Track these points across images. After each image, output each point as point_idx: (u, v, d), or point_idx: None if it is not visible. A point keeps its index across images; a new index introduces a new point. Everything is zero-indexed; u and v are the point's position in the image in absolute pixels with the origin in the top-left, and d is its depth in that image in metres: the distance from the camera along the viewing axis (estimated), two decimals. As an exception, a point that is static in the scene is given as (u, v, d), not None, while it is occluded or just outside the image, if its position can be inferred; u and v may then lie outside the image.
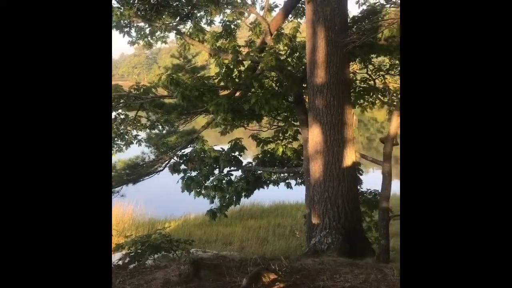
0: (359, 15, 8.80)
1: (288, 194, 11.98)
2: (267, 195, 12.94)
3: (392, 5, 8.93)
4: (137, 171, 10.44)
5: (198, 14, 10.21)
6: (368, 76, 9.79)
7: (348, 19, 8.04)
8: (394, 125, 8.02)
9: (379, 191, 7.24)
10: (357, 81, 10.05)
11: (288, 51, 9.76)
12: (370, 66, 9.71)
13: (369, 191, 9.11)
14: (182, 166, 9.55)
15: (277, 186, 9.94)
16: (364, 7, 9.56)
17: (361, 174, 9.18)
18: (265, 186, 9.66)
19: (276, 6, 11.39)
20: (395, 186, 16.58)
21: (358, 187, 8.80)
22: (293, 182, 9.83)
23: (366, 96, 10.22)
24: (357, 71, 10.49)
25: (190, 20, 10.14)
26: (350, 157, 6.93)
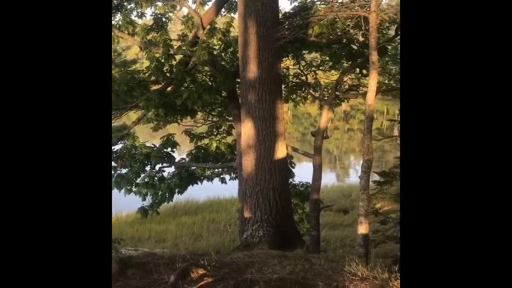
0: (291, 11, 8.95)
1: (223, 189, 11.99)
2: (202, 191, 12.86)
3: (323, 3, 9.18)
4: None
5: (128, 6, 9.87)
6: (300, 72, 9.99)
7: (280, 15, 8.14)
8: (324, 119, 8.26)
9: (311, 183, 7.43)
10: (290, 76, 10.22)
11: (222, 46, 9.71)
12: (302, 62, 9.91)
13: (301, 183, 9.32)
14: (112, 164, 9.24)
15: (211, 181, 9.91)
16: (296, 3, 9.74)
17: (293, 167, 9.37)
18: (199, 182, 9.59)
19: (209, -1, 11.28)
20: (326, 178, 17.12)
21: (291, 180, 8.99)
22: (227, 177, 9.85)
23: (298, 91, 10.44)
24: (291, 66, 10.67)
25: (119, 12, 9.77)
26: (281, 150, 7.05)
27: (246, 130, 7.00)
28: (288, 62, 10.50)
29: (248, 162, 6.96)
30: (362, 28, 6.90)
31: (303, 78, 9.96)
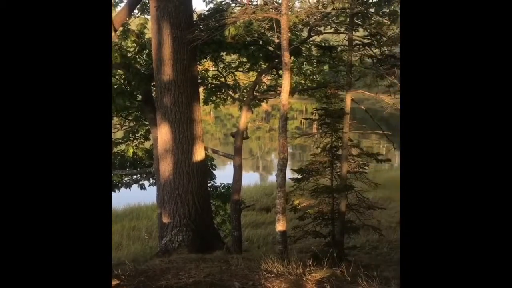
0: (206, 13, 8.92)
1: (144, 195, 11.65)
2: (121, 199, 12.40)
3: (238, 5, 9.26)
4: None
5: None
6: (219, 73, 10.00)
7: (195, 17, 8.08)
8: (243, 120, 8.35)
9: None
10: (209, 78, 10.19)
11: (136, 48, 9.44)
12: (221, 64, 9.93)
13: (222, 185, 9.32)
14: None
15: (129, 188, 9.59)
16: (211, 5, 9.73)
17: (214, 169, 9.35)
18: (116, 190, 9.24)
19: (122, 1, 10.90)
20: (249, 178, 17.25)
21: (212, 182, 8.96)
22: (146, 183, 9.58)
23: (218, 93, 10.43)
24: (210, 68, 10.64)
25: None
26: (199, 153, 7.00)
27: (163, 134, 6.87)
28: (207, 64, 10.46)
29: (166, 166, 6.82)
30: (275, 30, 7.08)
31: (222, 79, 9.98)
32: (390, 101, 8.36)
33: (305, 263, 4.33)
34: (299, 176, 7.10)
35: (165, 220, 6.73)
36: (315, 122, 7.43)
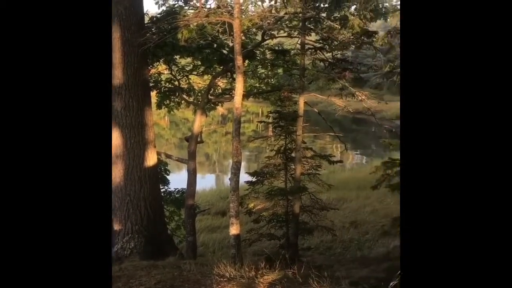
0: (158, 15, 8.79)
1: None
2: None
3: (191, 8, 9.19)
4: None
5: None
6: (172, 77, 9.86)
7: (147, 19, 7.95)
8: (197, 124, 8.28)
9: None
10: (162, 82, 10.03)
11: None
12: (175, 67, 9.79)
13: (176, 190, 9.19)
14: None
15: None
16: (164, 8, 9.60)
17: (168, 174, 9.21)
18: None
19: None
20: (206, 182, 17.04)
21: (166, 187, 8.82)
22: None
23: (172, 97, 10.28)
24: (163, 71, 10.48)
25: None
26: (151, 158, 6.87)
27: (113, 139, 6.68)
28: (160, 67, 10.29)
29: (117, 172, 6.64)
30: (228, 33, 7.08)
31: (176, 83, 9.85)
32: (342, 103, 8.56)
33: (258, 265, 4.34)
34: (254, 179, 7.12)
35: (116, 227, 6.55)
36: (270, 124, 7.49)
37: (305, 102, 7.07)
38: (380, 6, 10.20)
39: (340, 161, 8.19)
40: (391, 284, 3.64)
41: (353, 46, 9.61)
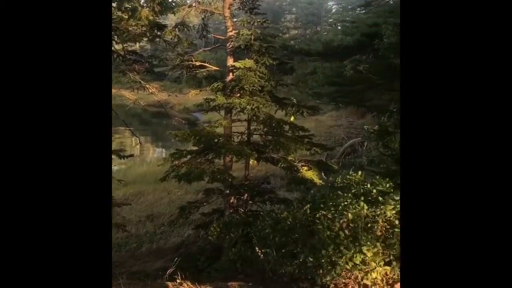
0: None
1: None
2: None
3: None
4: None
5: None
6: None
7: None
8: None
9: None
10: None
11: None
12: None
13: None
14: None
15: None
16: None
17: None
18: None
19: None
20: None
21: None
22: None
23: None
24: None
25: None
26: None
27: None
28: None
29: None
30: None
31: None
32: (132, 96, 8.43)
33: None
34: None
35: None
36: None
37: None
38: (170, 0, 10.37)
39: (131, 155, 8.05)
40: (168, 272, 3.76)
41: (145, 39, 9.56)
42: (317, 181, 6.74)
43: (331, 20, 34.11)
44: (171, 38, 8.50)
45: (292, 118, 7.33)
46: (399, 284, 3.58)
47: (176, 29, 8.28)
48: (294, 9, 45.42)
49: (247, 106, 6.65)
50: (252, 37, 7.47)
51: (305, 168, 6.90)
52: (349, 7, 34.26)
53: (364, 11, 24.34)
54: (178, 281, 3.79)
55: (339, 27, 24.58)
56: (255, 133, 7.48)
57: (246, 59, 7.38)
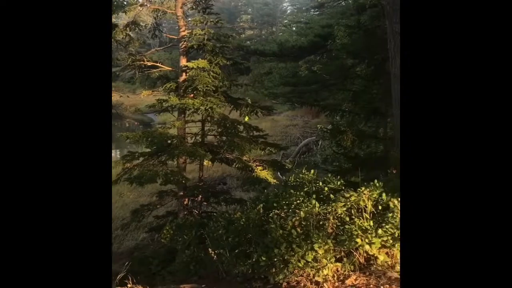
0: None
1: None
2: None
3: None
4: None
5: None
6: None
7: None
8: None
9: None
10: None
11: None
12: None
13: None
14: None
15: None
16: None
17: None
18: None
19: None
20: None
21: None
22: None
23: None
24: None
25: None
26: None
27: None
28: None
29: None
30: None
31: None
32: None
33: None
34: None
35: None
36: None
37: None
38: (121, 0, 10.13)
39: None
40: (118, 277, 3.67)
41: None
42: (272, 180, 6.78)
43: (286, 21, 34.47)
44: (122, 38, 8.32)
45: (246, 118, 7.34)
46: (350, 279, 3.67)
47: (127, 28, 8.10)
48: (250, 9, 45.59)
49: (201, 107, 6.60)
50: (206, 37, 7.43)
51: (260, 168, 6.93)
52: (303, 8, 34.79)
53: (318, 12, 24.81)
54: (129, 285, 3.70)
55: (294, 28, 24.85)
56: (209, 133, 7.44)
57: (200, 59, 7.33)
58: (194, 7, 8.05)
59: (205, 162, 7.16)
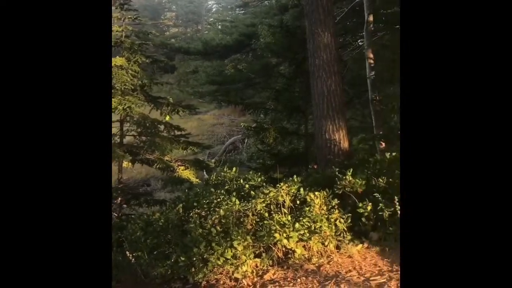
0: None
1: None
2: None
3: None
4: None
5: None
6: None
7: None
8: None
9: None
10: None
11: None
12: None
13: None
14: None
15: None
16: None
17: None
18: None
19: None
20: None
21: None
22: None
23: None
24: None
25: None
26: None
27: None
28: None
29: None
30: None
31: None
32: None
33: None
34: None
35: None
36: None
37: None
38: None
39: None
40: None
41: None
42: (194, 180, 6.72)
43: (212, 19, 34.33)
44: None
45: (167, 118, 7.20)
46: (268, 274, 3.73)
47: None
48: (174, 7, 44.81)
49: (119, 106, 6.37)
50: (123, 34, 7.19)
51: (182, 168, 6.83)
52: (228, 6, 34.85)
53: (243, 11, 24.99)
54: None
55: (219, 27, 24.84)
56: (128, 134, 7.20)
57: (117, 56, 7.07)
58: (111, 3, 7.76)
59: (125, 164, 6.93)
